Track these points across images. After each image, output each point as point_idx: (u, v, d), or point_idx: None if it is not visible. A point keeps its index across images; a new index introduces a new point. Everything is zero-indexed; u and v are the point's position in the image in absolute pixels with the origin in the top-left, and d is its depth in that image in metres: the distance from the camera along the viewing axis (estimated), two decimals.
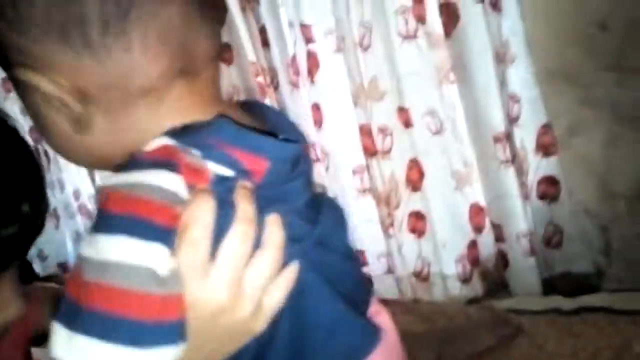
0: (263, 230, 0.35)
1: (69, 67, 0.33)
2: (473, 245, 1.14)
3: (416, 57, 1.08)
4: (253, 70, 1.21)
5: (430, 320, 1.05)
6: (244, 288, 0.34)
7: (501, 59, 1.05)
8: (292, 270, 0.36)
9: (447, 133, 1.11)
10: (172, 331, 0.31)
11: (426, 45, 1.07)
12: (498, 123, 1.06)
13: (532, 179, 1.09)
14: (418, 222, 1.17)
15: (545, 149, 1.07)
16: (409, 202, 1.16)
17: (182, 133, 0.35)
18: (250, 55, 1.20)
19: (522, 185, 1.08)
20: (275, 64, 1.19)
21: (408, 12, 1.07)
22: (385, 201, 1.17)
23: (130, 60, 0.33)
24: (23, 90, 0.36)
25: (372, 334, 0.40)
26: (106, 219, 0.32)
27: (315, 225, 0.38)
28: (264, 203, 0.35)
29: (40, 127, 0.37)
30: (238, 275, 0.34)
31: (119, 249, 0.31)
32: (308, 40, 1.12)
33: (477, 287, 1.15)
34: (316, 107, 1.17)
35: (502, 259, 1.13)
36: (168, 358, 0.31)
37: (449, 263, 1.15)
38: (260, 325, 0.36)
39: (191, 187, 0.33)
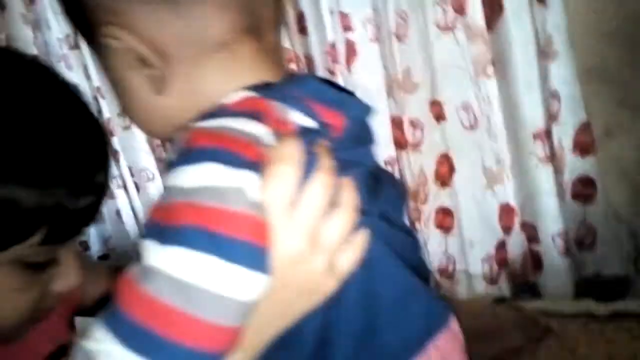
0: (338, 191, 0.35)
1: (149, 21, 0.34)
2: (501, 245, 1.11)
3: (454, 49, 1.05)
4: (287, 56, 1.19)
5: (456, 318, 1.02)
6: (321, 240, 0.34)
7: (544, 54, 1.01)
8: (364, 235, 0.36)
9: (481, 129, 1.08)
10: (261, 256, 0.31)
11: (464, 38, 1.04)
12: (538, 120, 1.03)
13: (568, 178, 1.05)
14: (445, 219, 1.14)
15: (582, 148, 1.04)
16: (437, 198, 1.14)
17: (262, 88, 0.35)
18: (286, 42, 1.19)
19: (559, 184, 1.04)
20: (312, 51, 1.16)
21: (447, 3, 1.04)
22: (414, 195, 1.15)
23: (204, 12, 0.34)
24: (104, 55, 0.37)
25: (443, 308, 0.40)
26: (193, 151, 0.32)
27: (378, 197, 0.38)
28: (340, 164, 0.35)
29: (119, 93, 0.39)
30: (317, 224, 0.34)
31: (209, 175, 0.31)
32: (346, 28, 1.10)
33: (503, 288, 1.12)
34: None
35: (534, 260, 1.10)
36: (256, 285, 0.31)
37: (475, 262, 1.12)
38: (332, 284, 0.35)
39: (277, 134, 0.33)
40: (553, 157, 1.04)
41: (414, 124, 1.12)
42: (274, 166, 0.32)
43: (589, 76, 1.03)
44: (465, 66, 1.05)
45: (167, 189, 0.32)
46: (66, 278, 0.46)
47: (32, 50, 2.02)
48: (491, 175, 1.09)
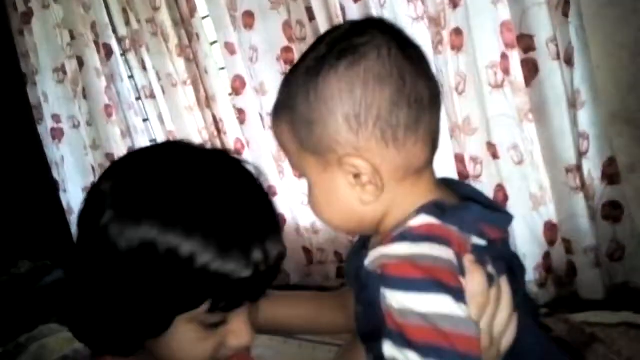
0: (499, 290, 0.46)
1: (380, 153, 0.47)
2: (547, 256, 1.36)
3: (502, 101, 1.32)
4: None
5: None
6: (494, 335, 0.45)
7: (572, 103, 1.29)
8: (515, 317, 0.47)
9: (526, 163, 1.34)
10: None
11: (511, 92, 1.32)
12: (570, 156, 1.29)
13: (598, 203, 1.31)
14: None
15: (610, 178, 1.30)
16: None
17: (439, 211, 0.46)
18: None
19: (590, 207, 1.30)
20: None
21: (496, 66, 1.32)
22: None
23: (415, 149, 0.47)
24: (327, 179, 0.49)
25: None
26: (411, 281, 0.42)
27: (515, 278, 0.49)
28: (496, 261, 0.47)
29: (322, 197, 0.50)
30: (491, 324, 0.46)
31: (442, 304, 0.42)
32: None
33: (551, 291, 1.36)
34: None
35: (572, 269, 1.34)
36: None
37: (528, 270, 1.36)
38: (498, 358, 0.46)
39: (458, 256, 0.44)
40: (583, 186, 1.30)
41: (474, 160, 1.39)
42: (474, 296, 0.43)
43: (613, 120, 1.30)
44: (512, 114, 1.32)
45: (404, 310, 0.42)
46: (239, 337, 0.52)
47: (104, 99, 2.31)
48: (535, 199, 1.35)
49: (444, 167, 1.43)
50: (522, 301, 0.49)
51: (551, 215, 1.35)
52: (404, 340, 0.42)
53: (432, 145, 0.48)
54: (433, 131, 0.48)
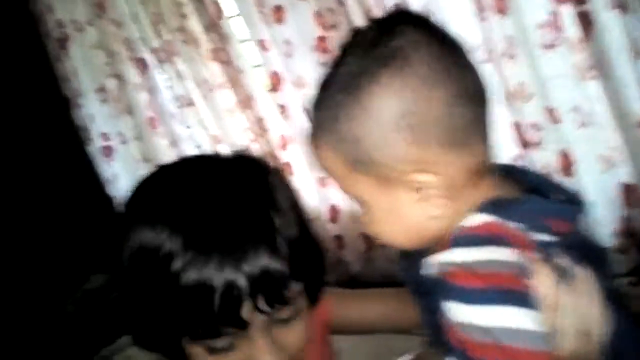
0: (579, 283, 0.41)
1: (442, 161, 0.43)
2: (627, 219, 1.28)
3: (558, 61, 1.24)
4: None
5: None
6: (589, 329, 0.41)
7: (637, 52, 1.19)
8: (604, 303, 0.42)
9: (591, 123, 1.26)
10: None
11: (566, 51, 1.23)
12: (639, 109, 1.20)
13: None
14: None
15: None
16: None
17: (497, 209, 0.42)
18: None
19: None
20: None
21: (547, 25, 1.24)
22: None
23: (475, 148, 0.44)
24: (386, 199, 0.45)
25: None
26: (473, 292, 0.39)
27: (597, 272, 0.44)
28: (569, 252, 0.42)
29: (386, 222, 0.46)
30: (582, 322, 0.41)
31: (508, 317, 0.38)
32: None
33: (634, 257, 1.28)
34: None
35: None
36: None
37: (605, 238, 1.29)
38: (596, 353, 0.42)
39: (523, 255, 0.40)
40: None
41: (533, 126, 1.32)
42: (545, 298, 0.39)
43: None
44: (570, 74, 1.24)
45: (466, 325, 0.39)
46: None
47: (147, 113, 2.36)
48: (606, 161, 1.27)
49: (502, 137, 1.37)
50: (611, 291, 0.44)
51: (626, 175, 1.27)
52: (466, 359, 0.39)
53: (488, 140, 0.45)
54: (487, 126, 0.44)
